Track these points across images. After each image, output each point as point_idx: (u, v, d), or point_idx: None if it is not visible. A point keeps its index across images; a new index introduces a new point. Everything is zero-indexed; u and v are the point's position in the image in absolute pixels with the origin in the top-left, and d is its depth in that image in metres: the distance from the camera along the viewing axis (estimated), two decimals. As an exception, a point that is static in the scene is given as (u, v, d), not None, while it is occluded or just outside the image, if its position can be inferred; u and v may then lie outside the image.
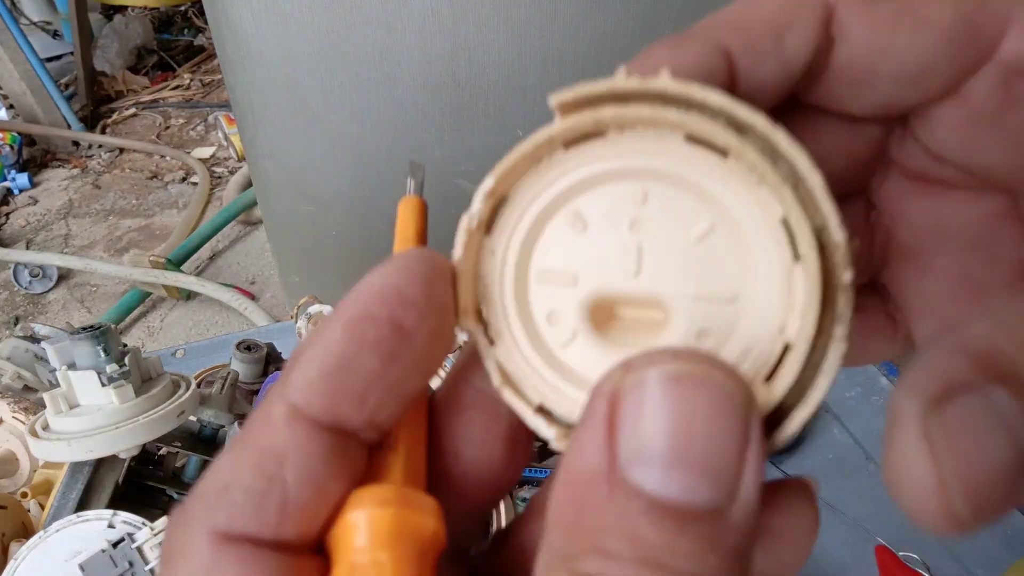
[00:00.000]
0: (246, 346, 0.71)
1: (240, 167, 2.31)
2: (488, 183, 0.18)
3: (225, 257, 2.01)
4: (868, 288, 0.23)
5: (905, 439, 0.13)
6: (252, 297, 1.77)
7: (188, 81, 2.90)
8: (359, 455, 0.16)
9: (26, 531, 0.57)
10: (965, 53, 0.17)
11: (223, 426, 0.63)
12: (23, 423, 0.63)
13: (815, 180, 0.16)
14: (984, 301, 0.20)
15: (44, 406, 0.55)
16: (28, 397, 0.69)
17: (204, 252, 1.97)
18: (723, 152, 0.17)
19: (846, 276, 0.15)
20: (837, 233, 0.15)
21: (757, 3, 0.18)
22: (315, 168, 1.11)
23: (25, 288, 1.89)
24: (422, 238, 0.23)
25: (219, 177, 2.33)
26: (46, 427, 0.54)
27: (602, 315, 0.18)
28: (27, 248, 2.06)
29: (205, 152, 2.46)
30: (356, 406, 0.15)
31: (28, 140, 2.45)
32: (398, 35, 0.91)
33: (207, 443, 0.63)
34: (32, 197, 2.30)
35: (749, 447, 0.13)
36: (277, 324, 1.14)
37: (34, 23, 2.89)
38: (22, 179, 2.31)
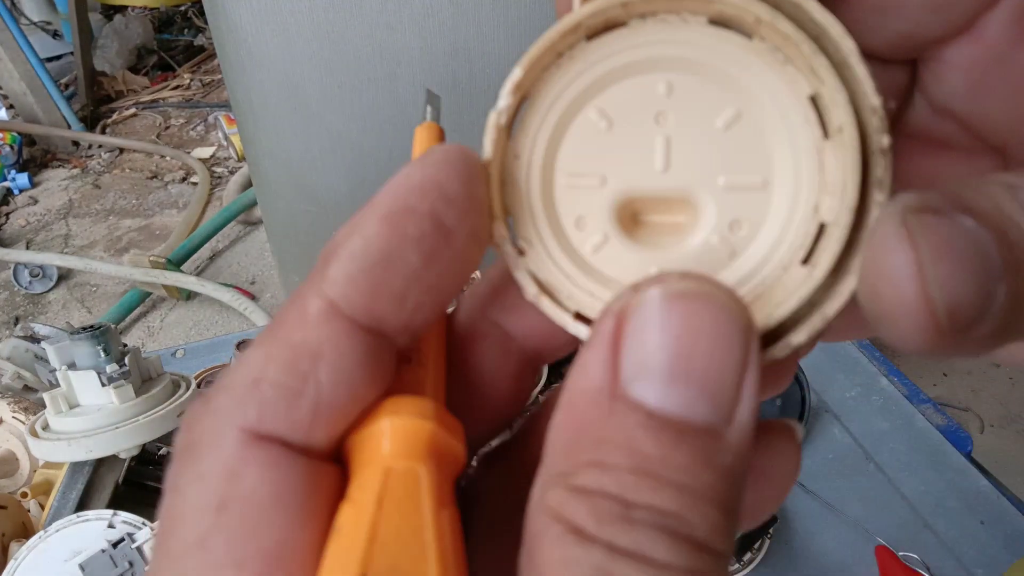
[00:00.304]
0: (246, 345, 0.71)
1: (240, 167, 2.31)
2: (516, 74, 0.17)
3: (225, 257, 2.01)
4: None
5: (884, 229, 0.14)
6: (252, 297, 1.77)
7: (188, 81, 2.90)
8: (390, 362, 0.15)
9: (26, 531, 0.57)
10: None
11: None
12: (23, 423, 0.63)
13: (848, 46, 0.15)
14: None
15: (44, 406, 0.55)
16: (28, 397, 0.69)
17: (204, 252, 1.97)
18: (748, 34, 0.16)
19: (884, 140, 0.15)
20: (873, 98, 0.15)
21: None
22: (315, 168, 1.11)
23: (25, 288, 1.89)
24: None
25: (219, 177, 2.32)
26: (46, 427, 0.54)
27: (630, 218, 0.17)
28: (27, 248, 2.06)
29: (205, 152, 2.46)
30: (396, 306, 0.15)
31: (28, 140, 2.45)
32: (398, 35, 0.91)
33: (207, 443, 0.63)
34: (32, 197, 2.30)
35: (748, 371, 0.14)
36: (277, 324, 1.13)
37: (34, 23, 2.89)
38: (22, 179, 2.31)
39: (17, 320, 1.82)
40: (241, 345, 0.71)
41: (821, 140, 0.16)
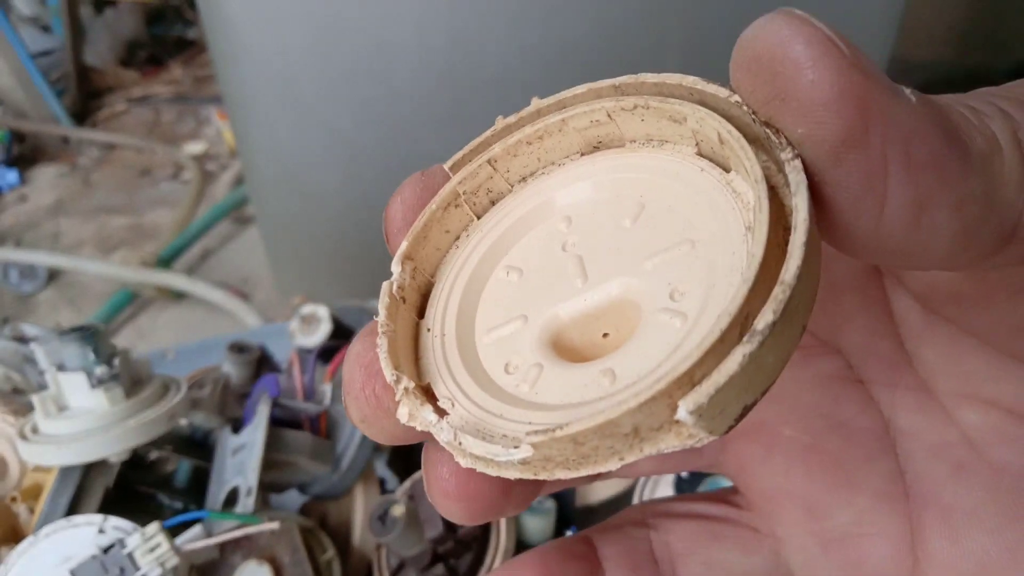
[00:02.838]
0: (238, 347, 0.70)
1: (232, 163, 2.29)
2: (403, 246, 0.18)
3: (217, 256, 1.99)
4: (714, 497, 0.21)
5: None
6: (244, 297, 1.76)
7: (180, 75, 2.87)
8: None
9: (15, 536, 0.56)
10: None
11: (213, 429, 0.61)
12: (12, 425, 0.62)
13: (689, 80, 0.16)
14: (845, 476, 0.18)
15: (33, 408, 0.54)
16: (17, 399, 0.67)
17: (195, 251, 1.95)
18: (619, 145, 0.18)
19: (754, 121, 0.14)
20: (732, 96, 0.15)
21: None
22: (308, 163, 1.09)
23: (14, 288, 1.87)
24: None
25: (211, 173, 2.31)
26: (35, 430, 0.54)
27: (568, 347, 0.17)
28: (16, 246, 2.04)
29: (197, 148, 2.44)
30: None
31: (17, 136, 2.42)
32: (395, 26, 0.90)
33: (198, 447, 0.62)
34: (21, 194, 2.27)
35: None
36: (270, 325, 1.12)
37: (24, 17, 2.85)
38: (11, 176, 2.30)
39: (6, 320, 1.80)
40: (233, 347, 0.70)
41: (724, 175, 0.16)
